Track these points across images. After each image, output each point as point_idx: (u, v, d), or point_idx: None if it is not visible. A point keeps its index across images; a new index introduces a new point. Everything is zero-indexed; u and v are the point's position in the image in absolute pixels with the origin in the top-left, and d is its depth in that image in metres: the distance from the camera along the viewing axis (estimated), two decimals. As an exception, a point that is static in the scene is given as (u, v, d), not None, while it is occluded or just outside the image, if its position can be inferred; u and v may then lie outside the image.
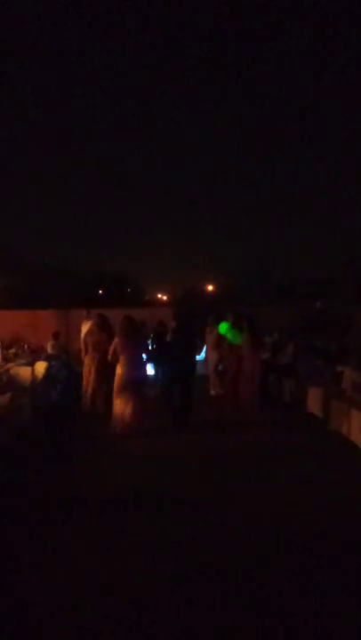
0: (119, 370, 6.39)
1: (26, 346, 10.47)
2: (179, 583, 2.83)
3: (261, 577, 2.96)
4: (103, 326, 7.79)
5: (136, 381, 6.43)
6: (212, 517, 3.83)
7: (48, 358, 9.22)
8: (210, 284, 36.16)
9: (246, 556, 3.20)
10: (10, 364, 8.17)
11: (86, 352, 8.00)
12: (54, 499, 4.26)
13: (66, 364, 9.94)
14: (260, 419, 7.18)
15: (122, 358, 6.38)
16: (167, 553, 3.19)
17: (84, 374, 7.92)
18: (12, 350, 9.74)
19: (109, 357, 6.55)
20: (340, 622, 2.47)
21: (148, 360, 9.51)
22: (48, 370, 8.33)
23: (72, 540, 3.44)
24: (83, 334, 9.04)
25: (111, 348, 6.51)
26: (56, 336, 10.91)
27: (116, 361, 6.45)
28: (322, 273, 30.96)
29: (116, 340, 6.48)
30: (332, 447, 5.96)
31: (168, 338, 7.63)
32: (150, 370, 9.79)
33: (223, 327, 7.94)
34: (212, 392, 8.66)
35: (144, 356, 7.13)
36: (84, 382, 7.89)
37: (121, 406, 6.38)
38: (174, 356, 7.09)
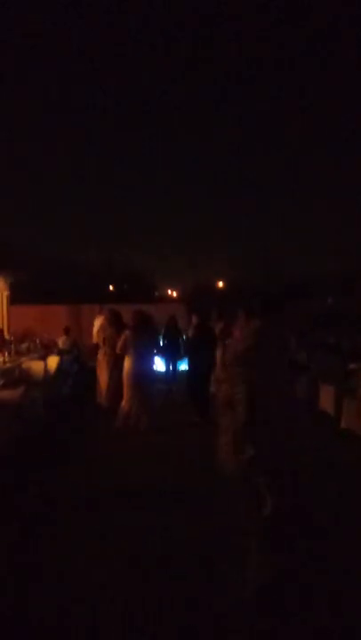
0: (127, 364, 6.43)
1: (38, 340, 10.53)
2: (180, 582, 2.81)
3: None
4: (113, 321, 7.80)
5: (143, 376, 6.44)
6: (213, 516, 3.74)
7: (60, 353, 9.31)
8: (220, 280, 36.11)
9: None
10: (22, 359, 8.24)
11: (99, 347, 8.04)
12: (58, 494, 4.29)
13: (77, 359, 10.02)
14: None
15: (130, 353, 6.41)
16: (168, 552, 3.15)
17: (97, 369, 7.97)
18: (25, 345, 9.81)
19: (118, 351, 6.60)
20: (341, 622, 2.45)
21: (159, 355, 9.57)
22: (60, 364, 8.41)
23: (72, 536, 3.44)
24: (95, 329, 9.09)
25: (120, 341, 6.55)
26: (67, 331, 10.98)
27: (124, 355, 6.49)
28: (335, 270, 30.74)
29: (125, 333, 6.51)
30: (342, 445, 5.92)
31: (190, 333, 7.67)
32: (161, 365, 9.84)
33: None
34: (213, 389, 8.65)
35: (155, 350, 7.19)
36: (98, 377, 7.94)
37: (127, 401, 6.42)
38: (199, 352, 7.17)
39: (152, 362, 7.00)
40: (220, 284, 36.62)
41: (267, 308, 2.52)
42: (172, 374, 9.89)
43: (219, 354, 8.74)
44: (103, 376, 7.80)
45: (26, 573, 2.97)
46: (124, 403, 6.49)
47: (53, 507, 3.98)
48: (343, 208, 59.53)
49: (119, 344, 6.58)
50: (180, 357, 9.63)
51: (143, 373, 6.47)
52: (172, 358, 9.80)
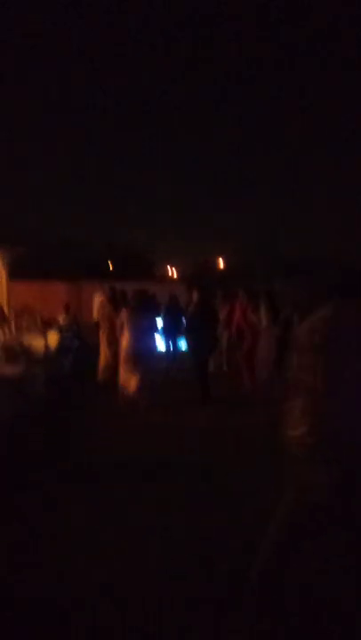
0: (124, 342, 6.42)
1: (38, 317, 10.48)
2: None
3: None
4: (111, 299, 7.78)
5: (141, 354, 6.44)
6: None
7: (60, 329, 9.27)
8: (221, 259, 35.93)
9: (245, 542, 3.17)
10: (23, 335, 8.20)
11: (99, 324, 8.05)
12: (59, 467, 4.37)
13: (78, 336, 9.98)
14: (269, 393, 7.16)
15: (127, 330, 6.39)
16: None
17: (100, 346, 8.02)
18: (24, 321, 9.75)
19: (118, 332, 6.61)
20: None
21: (160, 334, 9.55)
22: (61, 341, 8.39)
23: (72, 508, 3.52)
24: (95, 307, 9.05)
25: (119, 320, 6.55)
26: (67, 308, 10.93)
27: (122, 333, 6.49)
28: (336, 249, 30.55)
29: (124, 312, 6.50)
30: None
31: (191, 310, 7.61)
32: (160, 343, 9.83)
33: None
34: (211, 367, 8.66)
35: (159, 328, 7.18)
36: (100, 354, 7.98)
37: (125, 378, 6.45)
38: (200, 330, 7.15)
39: (151, 341, 6.97)
40: (221, 263, 36.43)
41: (342, 291, 2.39)
42: (172, 354, 9.88)
43: (225, 335, 8.74)
44: (102, 352, 7.84)
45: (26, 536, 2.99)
46: (121, 380, 6.51)
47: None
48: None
49: (118, 323, 6.58)
50: (181, 337, 9.62)
51: (141, 352, 6.45)
52: (172, 338, 9.78)
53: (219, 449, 5.17)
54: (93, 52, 75.55)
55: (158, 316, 9.33)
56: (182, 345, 9.68)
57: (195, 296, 7.54)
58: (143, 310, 6.58)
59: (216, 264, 35.89)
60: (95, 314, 8.86)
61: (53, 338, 8.24)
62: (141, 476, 4.35)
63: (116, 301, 7.78)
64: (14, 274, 13.05)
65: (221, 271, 34.36)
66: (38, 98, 66.45)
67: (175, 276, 37.13)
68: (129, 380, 6.43)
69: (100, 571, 2.85)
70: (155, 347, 9.13)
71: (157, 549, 3.11)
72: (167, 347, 9.90)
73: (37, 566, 2.92)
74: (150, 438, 5.39)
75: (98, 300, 9.25)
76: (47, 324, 9.95)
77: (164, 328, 9.48)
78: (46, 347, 7.62)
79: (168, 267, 39.15)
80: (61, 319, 10.57)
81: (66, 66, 70.44)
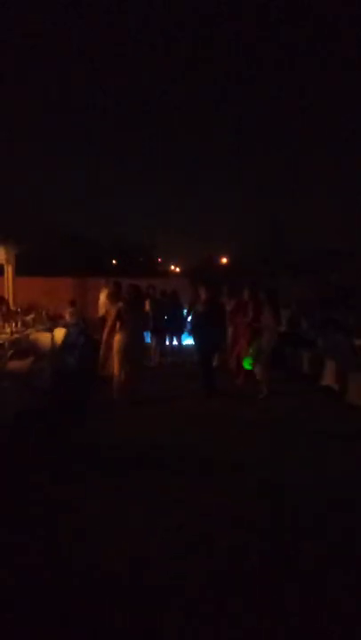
0: (117, 336, 6.50)
1: (43, 312, 10.55)
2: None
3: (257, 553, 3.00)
4: (113, 294, 7.82)
5: (134, 349, 6.52)
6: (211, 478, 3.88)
7: (66, 325, 9.33)
8: (224, 255, 35.91)
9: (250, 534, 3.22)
10: (29, 330, 8.27)
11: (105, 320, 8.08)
12: (68, 455, 4.47)
13: (83, 332, 10.03)
14: (274, 390, 7.19)
15: (121, 325, 6.46)
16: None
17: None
18: (31, 316, 9.83)
19: (110, 323, 6.66)
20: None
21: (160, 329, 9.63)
22: (66, 337, 8.44)
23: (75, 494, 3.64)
24: (101, 302, 9.10)
25: (113, 314, 6.61)
26: (73, 304, 10.99)
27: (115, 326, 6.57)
28: (339, 245, 30.46)
29: (119, 306, 6.56)
30: (348, 420, 5.98)
31: (200, 308, 7.66)
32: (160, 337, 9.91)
33: None
34: (215, 363, 8.70)
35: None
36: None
37: (119, 372, 6.53)
38: (208, 327, 7.22)
39: (143, 335, 7.11)
40: (224, 260, 36.39)
41: None
42: (177, 348, 9.93)
43: (231, 330, 8.77)
44: (102, 346, 7.88)
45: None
46: (116, 374, 6.59)
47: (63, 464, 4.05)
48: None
49: (112, 316, 6.65)
50: (182, 332, 9.67)
51: (134, 346, 6.53)
52: (174, 333, 9.83)
53: (220, 434, 5.29)
54: (93, 52, 75.73)
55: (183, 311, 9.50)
56: (186, 340, 9.74)
57: (202, 293, 7.57)
58: (137, 305, 6.71)
59: (219, 259, 35.85)
60: (101, 309, 8.91)
61: (60, 333, 8.30)
62: (143, 463, 4.43)
63: (117, 296, 7.80)
64: (20, 270, 13.12)
65: (225, 266, 34.31)
66: (38, 98, 66.58)
67: (178, 271, 37.10)
68: (123, 373, 6.52)
69: (102, 563, 2.84)
70: (148, 341, 9.24)
71: (158, 534, 3.14)
72: (170, 342, 9.96)
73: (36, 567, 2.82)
74: (152, 427, 5.49)
75: (103, 296, 9.31)
76: (53, 320, 10.02)
77: (164, 324, 9.56)
78: (53, 342, 7.69)
79: (171, 264, 39.11)
80: (67, 314, 10.64)
81: (66, 66, 70.54)
